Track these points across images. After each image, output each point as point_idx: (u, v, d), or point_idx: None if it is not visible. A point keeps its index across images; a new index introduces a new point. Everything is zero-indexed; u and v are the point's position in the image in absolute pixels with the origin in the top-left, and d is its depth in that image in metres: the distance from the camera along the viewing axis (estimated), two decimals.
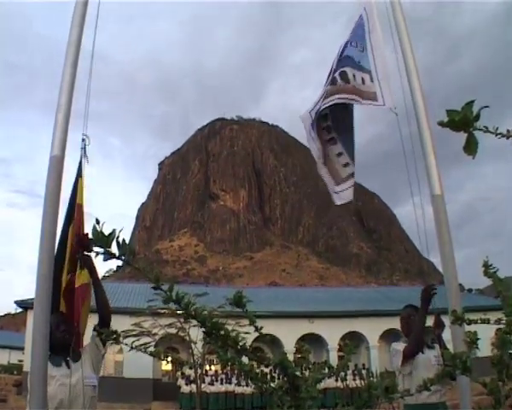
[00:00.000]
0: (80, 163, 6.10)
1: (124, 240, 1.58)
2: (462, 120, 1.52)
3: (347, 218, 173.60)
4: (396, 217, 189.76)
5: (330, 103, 8.10)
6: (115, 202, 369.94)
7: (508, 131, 1.50)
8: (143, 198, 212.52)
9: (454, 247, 5.20)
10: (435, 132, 5.66)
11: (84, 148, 6.06)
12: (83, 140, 5.95)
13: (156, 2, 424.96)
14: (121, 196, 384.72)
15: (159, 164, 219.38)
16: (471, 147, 1.50)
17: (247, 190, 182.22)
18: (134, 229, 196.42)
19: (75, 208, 5.67)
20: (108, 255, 1.60)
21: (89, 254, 4.64)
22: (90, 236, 1.66)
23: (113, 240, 1.61)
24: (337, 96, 7.77)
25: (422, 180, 5.68)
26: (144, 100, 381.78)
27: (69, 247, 5.70)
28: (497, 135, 1.55)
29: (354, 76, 7.76)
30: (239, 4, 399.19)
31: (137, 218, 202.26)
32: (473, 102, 1.52)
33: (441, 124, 1.48)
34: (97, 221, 1.69)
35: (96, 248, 1.64)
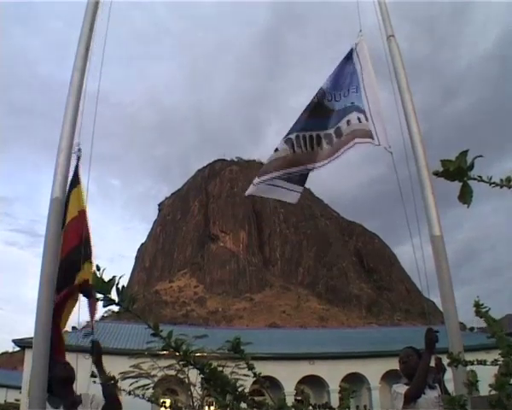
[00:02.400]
0: (76, 172, 6.19)
1: (123, 286, 1.59)
2: (457, 170, 1.53)
3: (347, 258, 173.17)
4: (396, 257, 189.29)
5: (324, 166, 8.35)
6: (115, 243, 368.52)
7: (501, 180, 1.53)
8: (143, 239, 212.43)
9: (454, 286, 5.29)
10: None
11: (78, 158, 6.17)
12: (79, 150, 6.02)
13: (156, 45, 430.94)
14: (121, 237, 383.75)
15: (159, 205, 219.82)
16: (466, 196, 1.52)
17: (247, 231, 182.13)
18: (133, 269, 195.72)
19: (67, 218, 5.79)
20: (108, 301, 1.61)
21: (97, 342, 4.67)
22: (91, 282, 1.69)
23: (113, 286, 1.62)
24: (327, 159, 7.99)
25: (422, 220, 5.75)
26: (145, 141, 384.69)
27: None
28: (490, 184, 1.60)
29: (348, 121, 7.87)
30: (238, 48, 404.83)
31: (137, 258, 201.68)
32: (467, 151, 1.53)
33: (436, 174, 1.50)
34: (98, 268, 1.71)
35: (96, 294, 1.67)
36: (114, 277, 1.67)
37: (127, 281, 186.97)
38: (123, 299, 1.66)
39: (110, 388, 4.49)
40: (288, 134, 8.21)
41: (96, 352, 4.72)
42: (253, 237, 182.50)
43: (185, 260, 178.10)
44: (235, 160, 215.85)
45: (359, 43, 8.28)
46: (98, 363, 4.66)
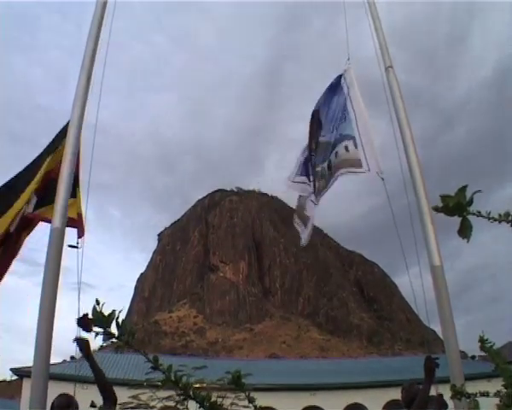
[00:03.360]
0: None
1: (123, 320, 1.60)
2: (456, 206, 1.53)
3: (348, 288, 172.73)
4: (397, 286, 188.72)
5: (318, 202, 8.64)
6: (114, 273, 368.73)
7: (500, 215, 1.55)
8: (142, 269, 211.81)
9: (454, 314, 5.29)
10: (433, 202, 5.74)
11: None
12: None
13: (157, 77, 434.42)
14: (120, 267, 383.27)
15: (158, 235, 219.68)
16: (465, 231, 1.52)
17: (247, 261, 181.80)
18: (133, 299, 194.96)
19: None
20: (108, 336, 1.61)
21: (85, 338, 4.50)
22: (90, 316, 1.68)
23: (112, 320, 1.62)
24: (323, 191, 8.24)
25: (422, 249, 5.74)
26: (145, 172, 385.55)
27: (39, 180, 6.31)
28: (489, 219, 1.63)
29: (336, 154, 8.01)
30: (238, 80, 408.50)
31: (136, 288, 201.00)
32: (465, 187, 1.54)
33: (436, 209, 1.51)
34: (97, 302, 1.70)
35: (95, 328, 1.66)
36: (114, 311, 1.68)
37: (126, 310, 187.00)
38: (122, 333, 1.67)
39: (103, 381, 4.45)
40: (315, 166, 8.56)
41: (86, 346, 4.52)
42: (253, 267, 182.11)
43: (185, 290, 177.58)
44: (235, 190, 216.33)
45: (348, 70, 8.42)
46: (90, 357, 4.50)
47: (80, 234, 6.34)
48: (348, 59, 8.53)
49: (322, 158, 8.36)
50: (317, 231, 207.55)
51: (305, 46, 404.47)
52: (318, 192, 8.29)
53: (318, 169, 8.33)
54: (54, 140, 6.90)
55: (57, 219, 5.16)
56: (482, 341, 2.45)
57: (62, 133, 6.44)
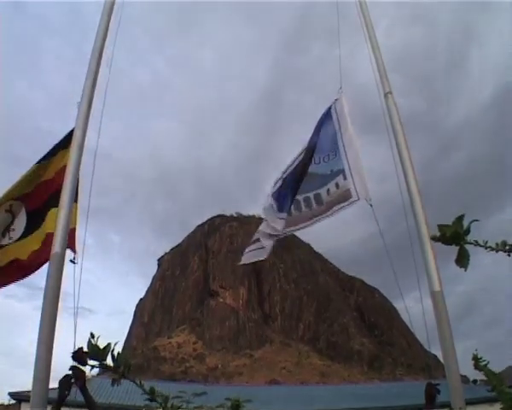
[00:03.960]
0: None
1: (119, 353, 1.58)
2: (454, 235, 1.55)
3: (348, 314, 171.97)
4: (397, 311, 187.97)
5: (291, 232, 8.70)
6: (114, 298, 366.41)
7: (497, 244, 1.55)
8: (142, 294, 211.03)
9: (455, 338, 5.31)
10: (432, 227, 5.72)
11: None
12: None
13: (157, 102, 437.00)
14: (120, 292, 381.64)
15: (158, 260, 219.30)
16: (463, 260, 1.56)
17: (247, 287, 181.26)
18: (132, 325, 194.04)
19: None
20: (104, 368, 1.59)
21: (80, 367, 4.38)
22: (85, 349, 1.66)
23: (108, 353, 1.61)
24: (304, 223, 8.26)
25: (422, 273, 5.72)
26: (144, 197, 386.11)
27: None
28: (486, 248, 1.62)
29: (328, 190, 8.07)
30: (238, 104, 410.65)
31: (135, 313, 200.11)
32: (463, 216, 1.56)
33: (434, 238, 1.54)
34: (92, 335, 1.69)
35: (91, 362, 1.64)
36: (109, 343, 1.67)
37: (125, 336, 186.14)
38: (118, 365, 1.65)
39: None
40: (295, 195, 8.50)
41: (81, 377, 4.46)
42: (253, 292, 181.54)
43: (184, 315, 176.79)
44: (235, 215, 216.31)
45: (339, 99, 8.47)
46: (84, 388, 4.45)
47: (71, 248, 6.36)
48: (340, 88, 8.60)
49: (308, 187, 8.39)
50: (317, 256, 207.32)
51: (304, 72, 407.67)
52: (300, 220, 8.36)
53: (299, 197, 8.39)
54: (48, 153, 7.09)
55: (57, 243, 5.11)
56: (476, 359, 2.43)
57: (58, 146, 6.59)
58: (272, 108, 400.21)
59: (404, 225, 6.39)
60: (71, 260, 6.02)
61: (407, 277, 6.12)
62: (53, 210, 6.93)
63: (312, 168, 8.41)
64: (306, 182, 8.44)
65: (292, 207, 8.59)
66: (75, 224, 6.62)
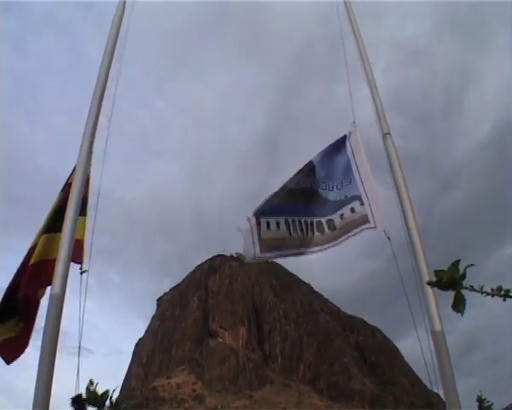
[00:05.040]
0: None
1: (117, 400, 1.76)
2: (450, 281, 1.63)
3: (349, 353, 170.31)
4: (398, 350, 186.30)
5: (316, 253, 8.58)
6: (113, 337, 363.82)
7: (492, 289, 1.76)
8: (141, 334, 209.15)
9: (457, 376, 5.17)
10: (433, 266, 5.87)
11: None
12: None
13: (157, 143, 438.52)
14: (119, 331, 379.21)
15: (157, 300, 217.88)
16: (459, 305, 1.73)
17: (247, 327, 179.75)
18: (131, 364, 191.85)
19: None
20: None
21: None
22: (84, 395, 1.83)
23: (106, 400, 1.80)
24: (317, 247, 8.21)
25: (423, 312, 5.57)
26: (145, 237, 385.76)
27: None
28: (482, 293, 1.75)
29: (342, 215, 8.15)
30: (238, 146, 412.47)
31: (134, 353, 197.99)
32: (458, 261, 1.64)
33: (430, 284, 1.73)
34: (91, 382, 1.89)
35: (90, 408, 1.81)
36: (107, 390, 1.85)
37: (124, 375, 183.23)
38: None
39: None
40: (283, 214, 8.53)
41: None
42: (253, 333, 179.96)
43: (184, 356, 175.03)
44: (235, 255, 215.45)
45: (352, 132, 8.79)
46: None
47: (77, 260, 6.22)
48: (354, 121, 8.86)
49: (317, 211, 8.45)
50: (317, 296, 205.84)
51: (303, 114, 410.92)
52: (309, 244, 8.25)
53: (320, 220, 8.37)
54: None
55: (57, 284, 5.15)
56: (480, 401, 2.64)
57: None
58: (271, 149, 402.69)
59: (404, 264, 6.43)
60: (80, 270, 6.01)
61: (408, 316, 6.34)
62: (45, 236, 6.82)
63: (324, 193, 8.49)
64: (317, 207, 8.50)
65: (302, 228, 8.46)
66: (82, 236, 6.48)
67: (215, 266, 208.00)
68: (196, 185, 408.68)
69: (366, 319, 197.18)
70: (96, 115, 6.81)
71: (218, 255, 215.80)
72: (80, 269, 6.07)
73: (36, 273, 6.49)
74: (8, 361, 6.14)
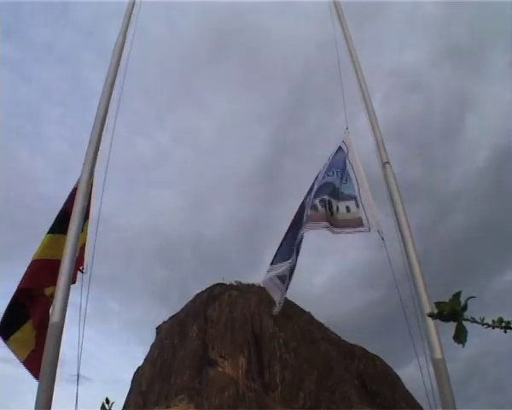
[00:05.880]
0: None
1: None
2: (451, 313, 1.63)
3: (350, 382, 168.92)
4: (399, 378, 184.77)
5: (316, 230, 8.58)
6: (111, 366, 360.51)
7: (493, 321, 1.78)
8: (140, 362, 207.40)
9: (459, 403, 5.20)
10: (433, 294, 5.82)
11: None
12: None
13: (157, 172, 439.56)
14: (118, 360, 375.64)
15: (156, 328, 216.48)
16: (460, 336, 1.74)
17: (247, 356, 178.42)
18: (129, 393, 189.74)
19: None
20: None
21: None
22: None
23: None
24: (323, 223, 8.22)
25: (424, 339, 5.69)
26: (144, 265, 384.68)
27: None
28: (483, 325, 1.78)
29: (338, 208, 8.22)
30: (238, 175, 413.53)
31: (133, 382, 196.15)
32: (459, 293, 1.65)
33: (431, 315, 1.73)
34: (107, 401, 1.88)
35: None
36: None
37: (123, 404, 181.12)
38: None
39: None
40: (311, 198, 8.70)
41: None
42: (253, 361, 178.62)
43: (183, 385, 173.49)
44: (235, 284, 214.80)
45: (346, 138, 8.95)
46: None
47: (78, 265, 6.27)
48: (347, 128, 9.07)
49: (321, 192, 8.53)
50: (317, 324, 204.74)
51: (302, 142, 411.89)
52: (315, 221, 8.25)
53: (316, 202, 8.43)
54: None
55: (56, 313, 5.16)
56: None
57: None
58: (271, 178, 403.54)
59: (404, 292, 6.39)
60: (79, 270, 6.13)
61: (408, 344, 6.27)
62: (49, 236, 6.89)
63: (326, 179, 8.62)
64: (321, 188, 8.76)
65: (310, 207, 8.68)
66: (84, 241, 6.52)
67: (215, 294, 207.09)
68: (196, 214, 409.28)
69: (367, 347, 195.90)
70: (97, 144, 6.86)
71: (218, 284, 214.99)
72: (80, 270, 6.23)
73: (40, 269, 6.57)
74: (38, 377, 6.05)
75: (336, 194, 8.43)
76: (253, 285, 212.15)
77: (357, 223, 7.81)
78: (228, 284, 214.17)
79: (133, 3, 9.12)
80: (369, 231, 7.48)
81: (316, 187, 8.98)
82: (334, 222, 8.16)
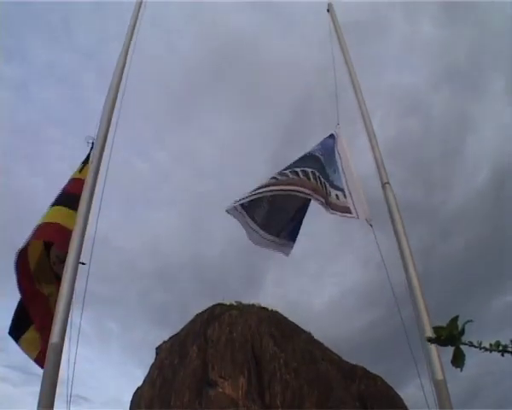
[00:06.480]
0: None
1: None
2: (449, 337, 1.64)
3: (350, 402, 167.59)
4: (401, 398, 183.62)
5: (294, 193, 8.48)
6: (110, 386, 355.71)
7: (490, 345, 1.77)
8: (139, 383, 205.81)
9: None
10: (433, 314, 5.85)
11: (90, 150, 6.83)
12: (91, 144, 6.69)
13: (156, 193, 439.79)
14: (116, 380, 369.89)
15: (156, 348, 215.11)
16: (458, 361, 1.74)
17: (247, 376, 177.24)
18: None
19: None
20: None
21: None
22: None
23: None
24: (320, 197, 8.14)
25: (425, 360, 5.65)
26: (143, 286, 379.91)
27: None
28: (481, 349, 1.77)
29: (330, 192, 8.24)
30: (237, 197, 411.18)
31: (132, 403, 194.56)
32: (457, 317, 1.65)
33: (430, 340, 1.73)
34: None
35: None
36: None
37: None
38: None
39: None
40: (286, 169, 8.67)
41: None
42: (253, 382, 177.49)
43: (182, 405, 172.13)
44: (235, 304, 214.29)
45: (337, 134, 9.03)
46: None
47: (56, 243, 6.51)
48: (338, 123, 9.17)
49: (304, 164, 8.52)
50: (317, 344, 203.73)
51: None
52: (313, 191, 8.15)
53: (297, 169, 8.47)
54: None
55: (56, 334, 5.16)
56: None
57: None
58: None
59: (405, 312, 6.37)
60: (80, 263, 6.00)
61: (409, 364, 6.16)
62: (54, 208, 7.18)
63: (313, 153, 8.70)
64: (303, 159, 8.85)
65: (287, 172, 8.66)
66: (71, 226, 6.41)
67: (215, 314, 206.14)
68: (196, 235, 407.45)
69: (367, 367, 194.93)
70: (97, 166, 6.93)
71: (218, 304, 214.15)
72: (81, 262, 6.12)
73: (43, 229, 6.77)
74: None
75: (326, 177, 8.45)
76: (253, 305, 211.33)
77: (346, 210, 7.85)
78: (228, 304, 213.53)
79: (134, 25, 9.23)
80: (358, 218, 7.52)
81: (297, 158, 9.02)
82: (328, 203, 8.17)
